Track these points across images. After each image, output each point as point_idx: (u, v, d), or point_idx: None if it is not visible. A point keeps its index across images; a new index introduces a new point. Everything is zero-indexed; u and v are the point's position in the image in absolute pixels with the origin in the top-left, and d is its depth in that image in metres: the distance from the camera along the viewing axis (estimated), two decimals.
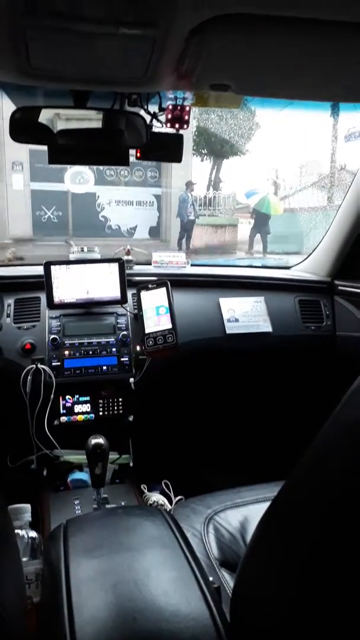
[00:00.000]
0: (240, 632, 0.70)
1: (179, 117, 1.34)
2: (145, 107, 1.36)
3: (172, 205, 10.50)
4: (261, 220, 10.72)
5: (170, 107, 1.33)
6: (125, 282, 1.67)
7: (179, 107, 1.33)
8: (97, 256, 1.77)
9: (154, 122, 1.39)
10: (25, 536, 0.99)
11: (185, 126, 1.37)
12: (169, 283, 1.66)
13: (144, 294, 1.65)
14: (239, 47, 1.06)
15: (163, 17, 0.94)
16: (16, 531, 0.96)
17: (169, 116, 1.34)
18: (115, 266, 1.67)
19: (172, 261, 1.93)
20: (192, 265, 2.00)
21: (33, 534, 1.01)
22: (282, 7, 0.93)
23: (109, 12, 0.94)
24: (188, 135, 10.34)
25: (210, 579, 0.93)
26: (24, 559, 0.95)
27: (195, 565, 0.85)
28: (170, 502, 1.54)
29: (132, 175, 10.19)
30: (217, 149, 11.36)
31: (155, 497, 1.53)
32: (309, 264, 2.09)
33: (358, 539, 0.48)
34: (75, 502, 1.48)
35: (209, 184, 12.08)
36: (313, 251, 2.08)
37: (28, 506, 1.07)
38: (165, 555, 0.85)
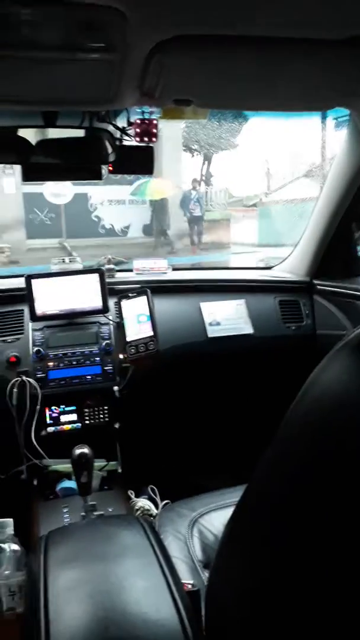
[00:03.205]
0: (214, 628, 0.74)
1: (147, 131, 1.36)
2: (114, 122, 1.39)
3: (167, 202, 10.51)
4: (157, 208, 10.40)
5: (138, 121, 1.36)
6: (106, 291, 1.70)
7: (146, 121, 1.36)
8: (79, 267, 1.80)
9: (125, 136, 1.42)
10: (8, 549, 1.03)
11: (154, 139, 1.39)
12: (149, 292, 1.69)
13: (124, 303, 1.68)
14: (196, 64, 1.09)
15: (120, 41, 0.96)
16: None
17: (138, 130, 1.36)
18: (96, 276, 1.69)
19: (154, 267, 1.95)
20: (173, 269, 2.02)
21: (15, 547, 1.05)
22: (234, 28, 0.96)
23: (66, 39, 0.97)
24: (177, 132, 10.33)
25: (192, 581, 0.97)
26: (7, 572, 0.99)
27: (169, 572, 0.88)
28: (157, 506, 1.58)
29: (124, 175, 10.17)
30: (207, 144, 11.35)
31: (142, 503, 1.57)
32: (289, 263, 2.11)
33: (311, 530, 0.52)
34: (64, 511, 1.51)
35: (200, 179, 12.05)
36: (293, 250, 2.10)
37: (10, 520, 1.10)
38: (139, 564, 0.88)
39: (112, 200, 10.72)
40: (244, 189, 12.79)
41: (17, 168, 1.43)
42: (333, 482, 0.50)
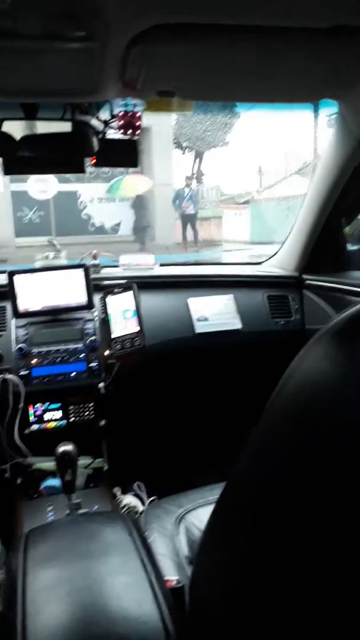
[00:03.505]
0: (198, 624, 0.73)
1: (130, 124, 1.34)
2: (97, 115, 1.37)
3: (156, 200, 10.49)
4: (138, 207, 10.31)
5: (121, 114, 1.34)
6: (91, 287, 1.68)
7: (130, 114, 1.34)
8: (63, 262, 1.78)
9: (108, 129, 1.40)
10: None
11: (137, 132, 1.37)
12: (135, 287, 1.67)
13: (110, 299, 1.66)
14: (178, 54, 1.07)
15: (99, 30, 0.95)
16: None
17: (121, 123, 1.34)
18: (80, 272, 1.67)
19: (140, 263, 1.94)
20: (161, 265, 2.01)
21: None
22: (215, 16, 0.95)
23: (45, 28, 0.95)
24: (168, 129, 10.31)
25: (177, 577, 0.95)
26: None
27: (151, 568, 0.87)
28: (144, 503, 1.56)
29: (113, 171, 10.13)
30: (198, 141, 11.35)
31: (128, 500, 1.55)
32: (278, 258, 2.10)
33: (291, 525, 0.50)
34: (49, 509, 1.50)
35: (191, 176, 12.05)
36: (282, 245, 2.09)
37: None
38: (121, 561, 0.87)
39: (103, 198, 10.68)
40: (235, 186, 12.83)
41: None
42: (314, 473, 0.49)
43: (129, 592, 0.80)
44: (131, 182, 9.29)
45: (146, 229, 10.24)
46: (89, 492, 1.59)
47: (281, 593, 0.52)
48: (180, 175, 10.97)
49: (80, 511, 1.37)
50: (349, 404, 0.46)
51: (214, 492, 1.32)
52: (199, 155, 12.30)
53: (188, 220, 10.56)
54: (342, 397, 0.48)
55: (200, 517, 1.25)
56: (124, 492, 1.64)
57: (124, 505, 1.53)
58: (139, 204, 10.28)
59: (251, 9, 0.91)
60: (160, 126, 9.69)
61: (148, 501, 1.52)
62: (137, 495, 1.59)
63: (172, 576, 0.94)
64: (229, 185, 13.03)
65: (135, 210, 10.44)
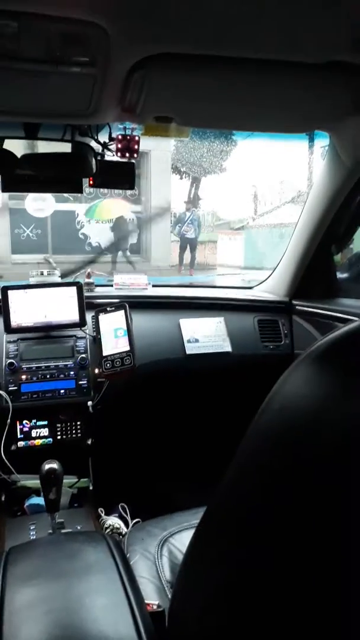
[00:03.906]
0: None
1: (128, 147, 1.37)
2: (95, 137, 1.40)
3: (152, 223, 10.60)
4: (118, 229, 10.36)
5: (119, 137, 1.37)
6: (84, 305, 1.68)
7: (128, 137, 1.37)
8: (57, 279, 1.79)
9: (106, 151, 1.43)
10: None
11: (135, 155, 1.40)
12: (127, 306, 1.68)
13: (102, 317, 1.67)
14: (177, 82, 1.11)
15: (101, 56, 0.98)
16: None
17: (119, 146, 1.37)
18: (73, 289, 1.68)
19: (134, 283, 1.96)
20: (154, 286, 2.02)
21: None
22: (214, 48, 0.98)
23: (47, 52, 0.98)
24: (167, 154, 10.49)
25: (158, 602, 0.94)
26: None
27: (131, 590, 0.86)
28: (128, 525, 1.54)
29: (111, 193, 10.24)
30: (195, 166, 11.53)
31: (112, 521, 1.53)
32: (269, 283, 2.13)
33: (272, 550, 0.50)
34: (31, 528, 1.47)
35: (188, 201, 12.21)
36: (273, 271, 2.12)
37: None
38: (102, 581, 0.86)
39: (100, 219, 10.75)
40: (230, 212, 12.99)
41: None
42: (292, 496, 0.49)
43: (107, 614, 0.78)
44: (107, 206, 9.54)
45: (124, 252, 10.37)
46: (73, 512, 1.57)
47: (260, 618, 0.52)
48: (178, 199, 11.12)
49: (63, 531, 1.35)
50: (326, 427, 0.47)
51: (199, 516, 1.30)
52: (196, 181, 12.48)
53: (188, 243, 10.64)
54: (319, 421, 0.48)
55: (183, 540, 1.24)
56: (108, 514, 1.62)
57: (108, 526, 1.51)
58: (117, 227, 10.41)
59: (250, 43, 0.95)
60: (158, 151, 9.85)
61: (132, 523, 1.51)
62: (121, 517, 1.57)
63: (152, 600, 0.93)
64: (225, 210, 13.20)
65: (114, 233, 10.55)
